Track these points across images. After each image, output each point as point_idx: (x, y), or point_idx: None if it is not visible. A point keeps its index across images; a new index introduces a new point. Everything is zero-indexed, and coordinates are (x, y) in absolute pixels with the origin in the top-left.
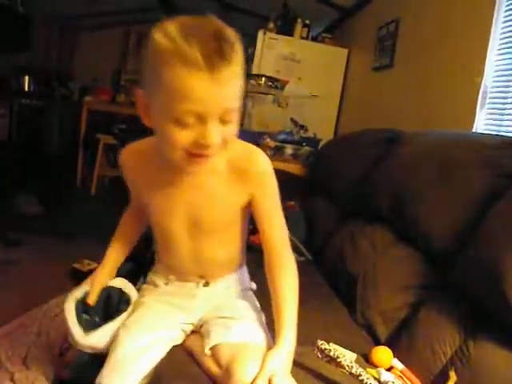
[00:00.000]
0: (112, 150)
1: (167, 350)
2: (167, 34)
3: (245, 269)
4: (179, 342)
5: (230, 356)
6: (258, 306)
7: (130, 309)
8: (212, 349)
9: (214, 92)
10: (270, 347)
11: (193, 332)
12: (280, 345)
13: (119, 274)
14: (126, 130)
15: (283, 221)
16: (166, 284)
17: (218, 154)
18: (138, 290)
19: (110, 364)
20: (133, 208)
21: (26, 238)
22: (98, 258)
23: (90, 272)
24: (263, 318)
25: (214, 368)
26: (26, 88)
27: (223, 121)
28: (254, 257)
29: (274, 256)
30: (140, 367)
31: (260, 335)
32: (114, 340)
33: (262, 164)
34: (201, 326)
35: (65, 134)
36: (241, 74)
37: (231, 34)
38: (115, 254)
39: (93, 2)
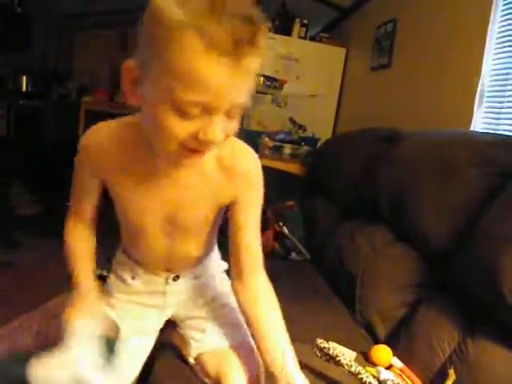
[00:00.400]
0: None
1: (146, 354)
2: (186, 4)
3: (214, 252)
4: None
5: (216, 365)
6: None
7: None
8: (196, 358)
9: (234, 83)
10: (247, 342)
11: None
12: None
13: None
14: None
15: (259, 231)
16: (133, 278)
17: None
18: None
19: None
20: (80, 216)
21: (24, 239)
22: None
23: None
24: (236, 304)
25: (202, 376)
26: (24, 88)
27: (229, 116)
28: None
29: (255, 271)
30: (124, 374)
31: (236, 334)
32: None
33: (253, 167)
34: (178, 324)
35: (63, 133)
36: (260, 61)
37: (262, 20)
38: (89, 278)
39: (92, 1)
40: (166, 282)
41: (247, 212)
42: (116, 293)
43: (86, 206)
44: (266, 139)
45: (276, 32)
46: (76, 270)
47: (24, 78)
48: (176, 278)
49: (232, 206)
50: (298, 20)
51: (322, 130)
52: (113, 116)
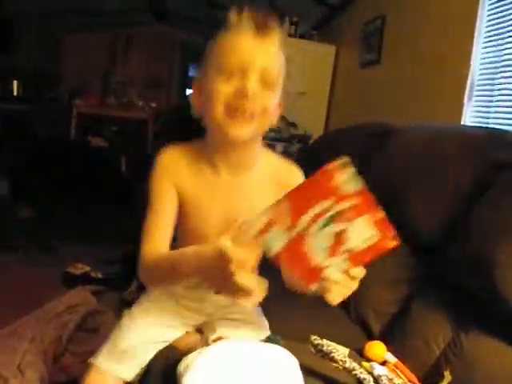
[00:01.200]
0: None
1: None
2: (233, 15)
3: None
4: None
5: None
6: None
7: None
8: (215, 340)
9: (256, 48)
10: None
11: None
12: None
13: (110, 276)
14: (118, 132)
15: None
16: (184, 290)
17: (258, 131)
18: (132, 292)
19: (109, 349)
20: (156, 249)
21: (18, 242)
22: (90, 261)
23: (83, 275)
24: (266, 324)
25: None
26: (15, 92)
27: (263, 81)
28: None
29: None
30: (139, 360)
31: (261, 330)
32: (117, 326)
33: (296, 175)
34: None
35: (55, 136)
36: (280, 49)
37: (275, 22)
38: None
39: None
40: (208, 291)
41: None
42: (158, 293)
43: (164, 226)
44: None
45: None
46: (180, 254)
47: (14, 82)
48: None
49: None
50: (287, 18)
51: (314, 127)
52: (104, 118)
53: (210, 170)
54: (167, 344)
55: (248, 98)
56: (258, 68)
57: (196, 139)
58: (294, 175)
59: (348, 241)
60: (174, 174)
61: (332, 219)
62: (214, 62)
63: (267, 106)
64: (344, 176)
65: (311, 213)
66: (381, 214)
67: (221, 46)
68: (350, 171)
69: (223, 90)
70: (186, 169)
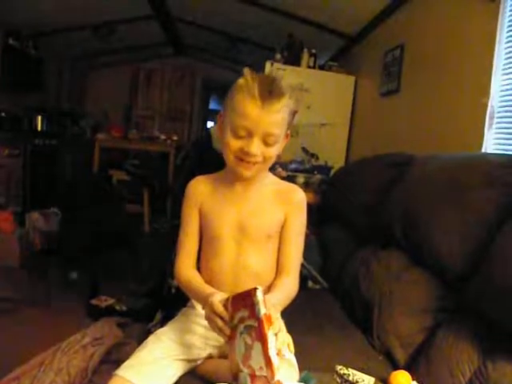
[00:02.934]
0: (125, 186)
1: (188, 368)
2: (247, 77)
3: None
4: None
5: None
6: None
7: None
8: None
9: (261, 117)
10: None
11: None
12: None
13: (135, 309)
14: (139, 166)
15: (301, 249)
16: (203, 308)
17: (262, 168)
18: (156, 324)
19: (132, 361)
20: (187, 261)
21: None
22: (114, 294)
23: (108, 308)
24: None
25: (223, 367)
26: (39, 128)
27: (265, 142)
28: None
29: (283, 273)
30: (160, 373)
31: (286, 350)
32: (142, 344)
33: (301, 195)
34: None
35: (78, 171)
36: (285, 113)
37: (284, 86)
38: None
39: (105, 41)
40: None
41: (292, 227)
42: (186, 316)
43: (192, 242)
44: (280, 169)
45: (285, 63)
46: (201, 288)
47: (39, 117)
48: None
49: (283, 225)
50: (306, 50)
51: (335, 158)
52: (126, 151)
53: (228, 185)
54: (189, 362)
55: (250, 156)
56: (261, 133)
57: (217, 171)
58: (296, 193)
59: (251, 359)
60: (196, 197)
61: (247, 330)
62: (229, 118)
63: (269, 156)
64: (256, 299)
65: (240, 314)
66: (267, 350)
67: (234, 107)
68: (259, 299)
69: (233, 144)
70: (209, 190)
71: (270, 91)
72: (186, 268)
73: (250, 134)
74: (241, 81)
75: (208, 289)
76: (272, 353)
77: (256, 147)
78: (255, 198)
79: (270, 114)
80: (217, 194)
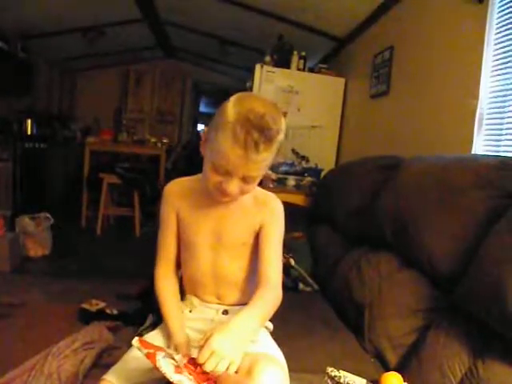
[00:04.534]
0: (116, 189)
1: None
2: (236, 110)
3: None
4: None
5: (250, 363)
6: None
7: None
8: None
9: (243, 164)
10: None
11: None
12: (227, 327)
13: (126, 312)
14: (129, 169)
15: (280, 258)
16: (190, 311)
17: (242, 195)
18: (147, 328)
19: (119, 366)
20: (167, 267)
21: (32, 280)
22: (106, 297)
23: (98, 312)
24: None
25: (231, 379)
26: (29, 131)
27: (245, 181)
28: None
29: (263, 283)
30: (146, 378)
31: (276, 352)
32: (129, 350)
33: (278, 204)
34: None
35: (68, 175)
36: (272, 154)
37: (275, 126)
38: (177, 313)
39: (94, 44)
40: (216, 314)
41: (270, 235)
42: None
43: (170, 244)
44: (270, 172)
45: (275, 65)
46: (170, 321)
47: (28, 121)
48: (225, 313)
49: (260, 231)
50: (296, 52)
51: (325, 160)
52: (117, 154)
53: (205, 191)
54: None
55: (228, 195)
56: (241, 174)
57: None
58: (272, 200)
59: None
60: (174, 201)
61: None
62: (210, 151)
63: (248, 190)
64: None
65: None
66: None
67: (218, 143)
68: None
69: (212, 178)
70: (185, 195)
71: (256, 143)
72: (162, 277)
73: (229, 174)
74: (230, 117)
75: (172, 327)
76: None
77: (234, 187)
78: (232, 205)
79: (253, 162)
80: (194, 199)
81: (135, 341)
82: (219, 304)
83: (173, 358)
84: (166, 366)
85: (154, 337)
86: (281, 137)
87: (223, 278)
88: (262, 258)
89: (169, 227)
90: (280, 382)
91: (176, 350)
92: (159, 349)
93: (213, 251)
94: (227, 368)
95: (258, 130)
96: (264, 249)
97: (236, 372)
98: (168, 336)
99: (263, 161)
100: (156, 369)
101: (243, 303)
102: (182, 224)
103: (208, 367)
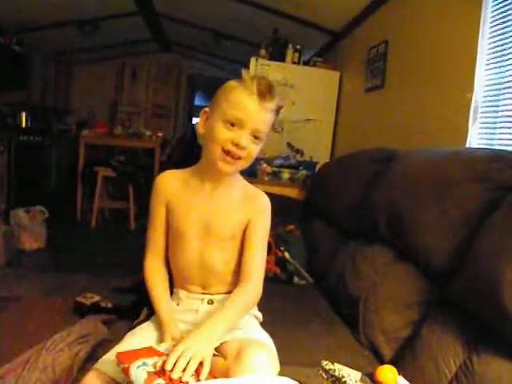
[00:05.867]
0: (111, 182)
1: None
2: (240, 79)
3: None
4: None
5: (238, 348)
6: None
7: None
8: (218, 348)
9: (256, 112)
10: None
11: None
12: (203, 328)
13: (121, 305)
14: (124, 162)
15: (264, 254)
16: (178, 305)
17: (242, 166)
18: (142, 321)
19: (109, 355)
20: (155, 258)
21: (27, 274)
22: (101, 290)
23: (93, 305)
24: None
25: (219, 364)
26: (24, 124)
27: (254, 136)
28: None
29: (246, 278)
30: None
31: (264, 337)
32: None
33: (266, 201)
34: None
35: (63, 168)
36: (274, 114)
37: (276, 89)
38: (167, 305)
39: (90, 37)
40: (201, 303)
41: (255, 231)
42: None
43: (159, 236)
44: (265, 165)
45: (270, 59)
46: (160, 312)
47: (23, 114)
48: (210, 302)
49: (247, 226)
50: (290, 46)
51: (320, 154)
52: (112, 148)
53: (198, 182)
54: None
55: (239, 148)
56: (253, 127)
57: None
58: (258, 194)
59: None
60: (164, 192)
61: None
62: (221, 110)
63: (252, 153)
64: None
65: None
66: None
67: (230, 99)
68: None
69: (223, 135)
70: (176, 185)
71: (266, 91)
72: (151, 269)
73: (241, 126)
74: (238, 80)
75: (164, 318)
76: None
77: (245, 139)
78: (222, 198)
79: (263, 112)
80: (184, 191)
81: (114, 357)
82: (204, 294)
83: (158, 356)
84: (139, 377)
85: (146, 328)
86: (276, 105)
87: (210, 268)
88: (246, 254)
89: (158, 219)
90: (268, 365)
91: (167, 339)
92: (144, 353)
93: (201, 242)
94: (201, 364)
95: (266, 83)
96: (249, 245)
97: (225, 358)
98: (159, 326)
99: (268, 112)
100: (130, 382)
101: (228, 292)
102: (172, 215)
103: (176, 372)
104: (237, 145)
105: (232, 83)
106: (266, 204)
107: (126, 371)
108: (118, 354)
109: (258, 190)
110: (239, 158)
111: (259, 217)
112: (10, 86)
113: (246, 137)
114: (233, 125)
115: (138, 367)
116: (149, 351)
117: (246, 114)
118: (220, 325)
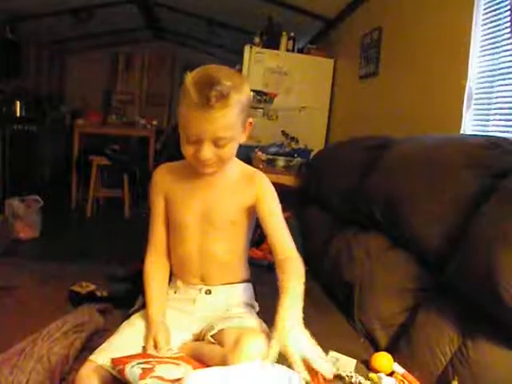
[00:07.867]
0: (105, 171)
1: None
2: (191, 76)
3: (250, 286)
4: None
5: (236, 335)
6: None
7: None
8: (215, 336)
9: (205, 124)
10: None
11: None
12: (286, 307)
13: (116, 294)
14: (119, 151)
15: (285, 224)
16: (175, 293)
17: (224, 165)
18: (137, 310)
19: (105, 346)
20: (156, 252)
21: (22, 263)
22: (96, 279)
23: (89, 294)
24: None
25: (217, 352)
26: (18, 113)
27: (217, 144)
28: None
29: (288, 258)
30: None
31: (260, 325)
32: (116, 331)
33: (266, 179)
34: (202, 334)
35: (58, 157)
36: (233, 113)
37: (227, 82)
38: (159, 308)
39: (84, 26)
40: (199, 293)
41: (270, 207)
42: None
43: (160, 229)
44: (259, 153)
45: (264, 46)
46: (152, 307)
47: (17, 103)
48: (208, 292)
49: (257, 204)
50: (285, 33)
51: (314, 141)
52: (106, 136)
53: (192, 173)
54: None
55: (202, 161)
56: (211, 137)
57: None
58: (257, 172)
59: None
60: (163, 185)
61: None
62: (181, 124)
63: (225, 156)
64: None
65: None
66: None
67: (182, 115)
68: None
69: (187, 150)
70: (173, 178)
71: (207, 97)
72: (150, 263)
73: (199, 140)
74: (187, 83)
75: (153, 322)
76: None
77: (207, 152)
78: (221, 184)
79: (214, 120)
80: (182, 182)
81: (108, 362)
82: (203, 284)
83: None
84: (133, 375)
85: (141, 317)
86: (240, 96)
87: (209, 258)
88: (273, 230)
89: (157, 212)
90: (265, 353)
91: (150, 343)
92: (138, 357)
93: (201, 232)
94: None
95: (208, 86)
96: (270, 221)
97: (222, 346)
98: (147, 323)
99: (223, 117)
100: (126, 381)
101: (227, 283)
102: (171, 206)
103: (327, 371)
104: (199, 160)
105: (182, 92)
106: (266, 181)
107: (121, 372)
108: (113, 360)
109: (255, 169)
110: (211, 164)
111: (266, 194)
112: (4, 75)
113: (208, 149)
114: (191, 140)
115: (133, 366)
116: (144, 355)
117: (197, 130)
118: (299, 308)
